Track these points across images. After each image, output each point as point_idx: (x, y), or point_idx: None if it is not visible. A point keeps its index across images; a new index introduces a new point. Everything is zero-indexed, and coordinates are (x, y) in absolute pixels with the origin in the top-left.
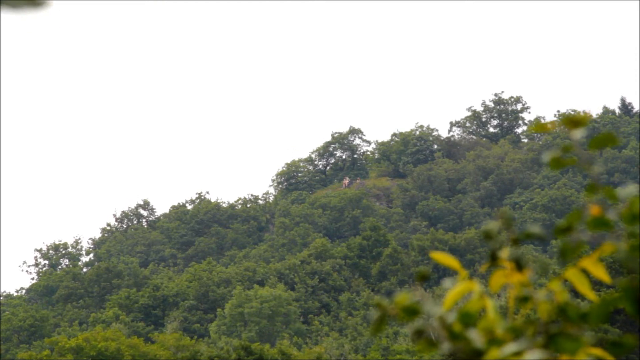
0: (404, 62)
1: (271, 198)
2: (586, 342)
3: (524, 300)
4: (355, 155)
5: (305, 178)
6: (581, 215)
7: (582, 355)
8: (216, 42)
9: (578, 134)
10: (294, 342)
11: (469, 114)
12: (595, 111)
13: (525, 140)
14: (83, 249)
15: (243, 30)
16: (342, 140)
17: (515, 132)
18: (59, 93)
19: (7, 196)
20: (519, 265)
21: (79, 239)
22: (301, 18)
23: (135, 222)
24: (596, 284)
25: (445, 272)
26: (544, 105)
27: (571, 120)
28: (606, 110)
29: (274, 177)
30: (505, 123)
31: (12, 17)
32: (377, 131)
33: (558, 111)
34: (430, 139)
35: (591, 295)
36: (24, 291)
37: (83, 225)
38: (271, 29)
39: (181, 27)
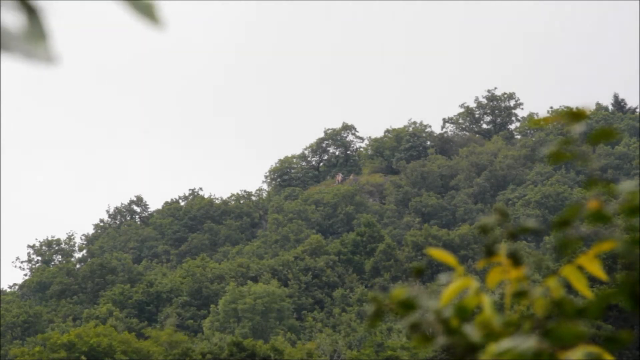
0: (397, 58)
1: (264, 194)
2: (583, 333)
3: (520, 295)
4: (349, 152)
5: (298, 174)
6: (579, 210)
7: (580, 349)
8: (211, 38)
9: (578, 127)
10: (287, 338)
11: (462, 110)
12: (588, 108)
13: (519, 137)
14: (76, 245)
15: (237, 27)
16: (335, 137)
17: (509, 129)
18: (53, 90)
19: None
20: (515, 260)
21: (72, 235)
22: (295, 15)
23: (128, 218)
24: (589, 280)
25: (439, 268)
26: (537, 102)
27: (571, 114)
28: (599, 107)
29: (267, 174)
30: (499, 119)
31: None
32: (370, 127)
33: (551, 107)
34: (424, 135)
35: (587, 292)
36: (17, 287)
37: (76, 221)
38: (265, 25)
39: (176, 22)
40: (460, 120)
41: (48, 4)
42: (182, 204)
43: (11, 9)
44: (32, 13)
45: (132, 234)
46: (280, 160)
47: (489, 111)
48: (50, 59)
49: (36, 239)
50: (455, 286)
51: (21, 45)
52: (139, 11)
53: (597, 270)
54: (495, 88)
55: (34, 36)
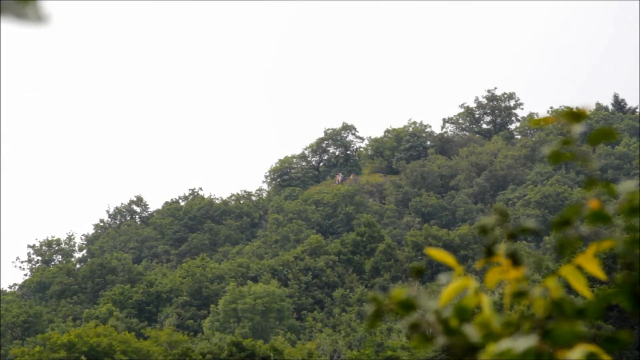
0: (397, 58)
1: (264, 194)
2: (582, 333)
3: (519, 296)
4: (349, 152)
5: (298, 174)
6: (579, 210)
7: (579, 348)
8: (210, 38)
9: (577, 128)
10: (287, 338)
11: (462, 110)
12: (588, 108)
13: (519, 137)
14: (76, 245)
15: (236, 28)
16: (335, 137)
17: (509, 129)
18: (53, 89)
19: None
20: (515, 260)
21: (72, 235)
22: (294, 16)
23: (128, 218)
24: (590, 280)
25: (439, 268)
26: (537, 102)
27: (571, 114)
28: (599, 107)
29: (267, 174)
30: (499, 119)
31: (14, 28)
32: (370, 127)
33: (551, 107)
34: (424, 135)
35: (587, 292)
36: (17, 287)
37: (76, 221)
38: (263, 26)
39: (174, 24)
40: (460, 120)
41: None
42: (182, 204)
43: None
44: None
45: (132, 234)
46: (280, 160)
47: (489, 111)
48: (40, 18)
49: (36, 239)
50: (454, 286)
51: (11, 6)
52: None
53: (595, 269)
54: (495, 88)
55: None
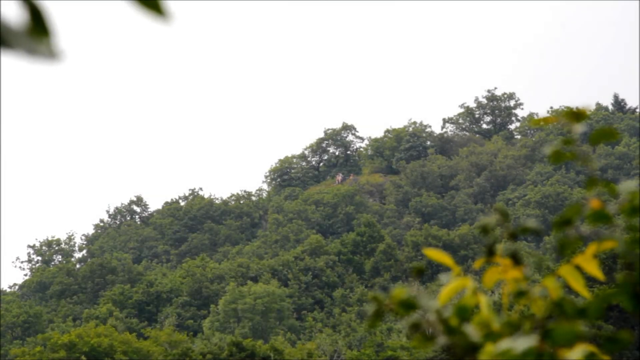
0: (397, 58)
1: (264, 194)
2: (582, 333)
3: (519, 295)
4: (349, 152)
5: (298, 174)
6: (580, 209)
7: (578, 348)
8: (209, 39)
9: (578, 128)
10: (287, 339)
11: (462, 110)
12: (588, 108)
13: (519, 137)
14: (76, 245)
15: (236, 27)
16: (335, 137)
17: (509, 129)
18: (52, 90)
19: None
20: (515, 260)
21: (72, 235)
22: (294, 15)
23: (128, 218)
24: (589, 280)
25: (439, 268)
26: (537, 102)
27: (571, 114)
28: (599, 107)
29: (267, 174)
30: (499, 119)
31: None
32: (370, 127)
33: (551, 107)
34: (424, 135)
35: (585, 292)
36: (17, 287)
37: (76, 221)
38: (264, 26)
39: (175, 24)
40: (460, 120)
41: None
42: (182, 204)
43: (14, 6)
44: (35, 9)
45: (132, 234)
46: (280, 160)
47: (489, 111)
48: (53, 55)
49: (36, 239)
50: (452, 286)
51: (24, 42)
52: (144, 5)
53: (594, 270)
54: (495, 88)
55: (37, 32)
